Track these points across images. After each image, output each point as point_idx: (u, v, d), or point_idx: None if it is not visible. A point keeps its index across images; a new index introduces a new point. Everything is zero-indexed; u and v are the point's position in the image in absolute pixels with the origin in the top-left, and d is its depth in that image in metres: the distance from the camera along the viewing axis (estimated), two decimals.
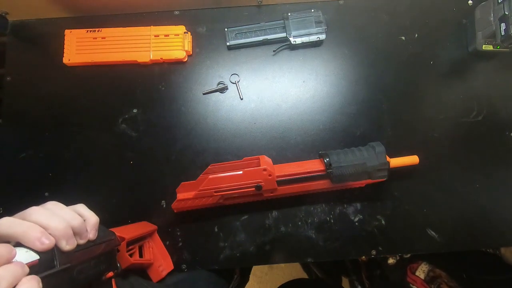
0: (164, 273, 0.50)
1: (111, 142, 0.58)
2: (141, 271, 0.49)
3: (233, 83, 0.60)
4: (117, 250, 0.40)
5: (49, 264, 0.27)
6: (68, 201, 0.57)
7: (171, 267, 0.52)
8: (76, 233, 0.30)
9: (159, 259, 0.52)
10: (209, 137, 0.58)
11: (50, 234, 0.27)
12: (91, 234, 0.32)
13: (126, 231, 0.44)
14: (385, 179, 0.51)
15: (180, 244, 0.54)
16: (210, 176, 0.49)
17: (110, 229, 0.40)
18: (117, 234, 0.40)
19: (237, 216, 0.55)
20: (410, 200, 0.56)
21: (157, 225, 0.54)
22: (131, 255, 0.44)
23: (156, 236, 0.53)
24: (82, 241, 0.31)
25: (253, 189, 0.49)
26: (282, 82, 0.60)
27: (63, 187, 0.57)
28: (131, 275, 0.44)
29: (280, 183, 0.50)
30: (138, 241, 0.48)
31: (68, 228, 0.29)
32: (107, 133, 0.58)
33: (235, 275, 0.68)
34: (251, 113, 0.59)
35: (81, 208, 0.33)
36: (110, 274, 0.36)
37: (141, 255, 0.48)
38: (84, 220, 0.32)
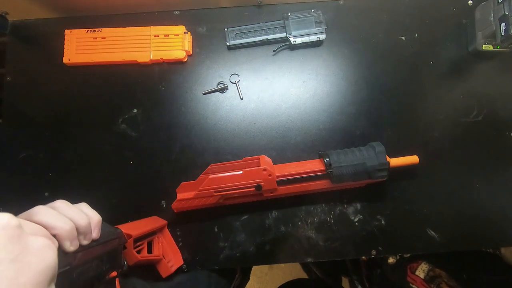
0: (174, 269, 0.50)
1: (111, 142, 0.58)
2: (150, 266, 0.49)
3: (233, 83, 0.60)
4: (123, 248, 0.40)
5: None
6: (68, 201, 0.57)
7: (180, 262, 0.52)
8: (80, 233, 0.29)
9: (169, 254, 0.51)
10: (209, 137, 0.58)
11: (55, 234, 0.26)
12: (94, 234, 0.31)
13: (134, 228, 0.44)
14: (385, 179, 0.51)
15: (180, 244, 0.54)
16: (210, 176, 0.49)
17: (117, 226, 0.39)
18: (124, 231, 0.40)
19: (237, 216, 0.55)
20: (410, 200, 0.56)
21: None
22: (139, 252, 0.44)
23: (166, 231, 0.53)
24: (85, 242, 0.30)
25: (253, 189, 0.49)
26: (282, 82, 0.60)
27: (63, 187, 0.57)
28: (134, 277, 0.44)
29: (280, 183, 0.50)
30: (147, 237, 0.48)
31: (73, 229, 0.28)
32: (107, 133, 0.58)
33: (236, 274, 0.68)
34: (251, 113, 0.59)
35: (84, 207, 0.32)
36: (114, 273, 0.35)
37: (150, 251, 0.48)
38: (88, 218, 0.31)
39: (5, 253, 0.19)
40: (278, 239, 0.55)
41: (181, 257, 0.53)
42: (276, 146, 0.58)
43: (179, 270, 0.53)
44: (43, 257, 0.22)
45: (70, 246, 0.27)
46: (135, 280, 0.44)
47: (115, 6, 0.61)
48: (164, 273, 0.49)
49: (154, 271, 0.49)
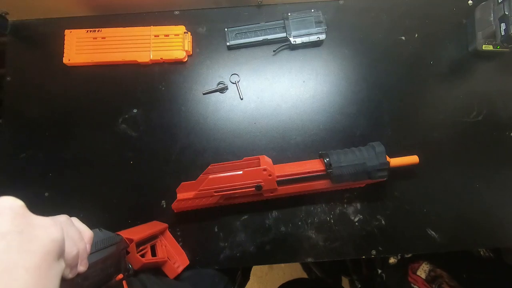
0: (180, 269, 0.51)
1: (111, 142, 0.58)
2: (156, 269, 0.49)
3: (233, 83, 0.60)
4: (126, 252, 0.40)
5: None
6: (68, 201, 0.57)
7: (186, 262, 0.52)
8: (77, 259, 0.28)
9: (174, 256, 0.52)
10: (209, 137, 0.58)
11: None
12: (87, 248, 0.30)
13: (134, 233, 0.44)
14: (385, 179, 0.51)
15: (180, 244, 0.54)
16: (210, 176, 0.49)
17: (117, 233, 0.40)
18: (125, 236, 0.40)
19: (237, 216, 0.55)
20: (410, 200, 0.56)
21: None
22: (143, 255, 0.44)
23: (168, 234, 0.53)
24: (82, 268, 0.28)
25: (253, 189, 0.49)
26: (282, 82, 0.60)
27: (63, 187, 0.56)
28: (142, 274, 0.44)
29: (280, 183, 0.50)
30: (149, 241, 0.48)
31: (77, 256, 0.27)
32: (107, 133, 0.58)
33: (238, 271, 0.68)
34: (251, 113, 0.59)
35: (76, 221, 0.30)
36: (120, 276, 0.36)
37: (154, 254, 0.48)
38: (79, 233, 0.29)
39: (13, 226, 0.21)
40: (278, 239, 0.55)
41: (187, 258, 0.53)
42: (276, 146, 0.58)
43: None
44: (49, 232, 0.23)
45: (69, 274, 0.26)
46: (142, 276, 0.44)
47: (115, 6, 0.61)
48: (171, 275, 0.50)
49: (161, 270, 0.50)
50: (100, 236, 0.34)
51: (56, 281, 0.22)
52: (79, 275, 0.27)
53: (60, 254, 0.23)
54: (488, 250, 0.66)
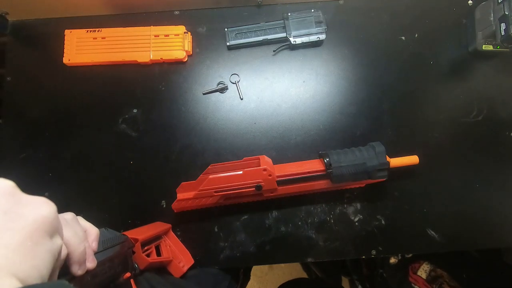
0: (185, 268, 0.51)
1: (111, 142, 0.58)
2: (162, 269, 0.50)
3: (233, 83, 0.60)
4: (132, 252, 0.40)
5: (62, 270, 0.25)
6: (68, 201, 0.57)
7: (191, 261, 0.53)
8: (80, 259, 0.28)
9: (178, 256, 0.52)
10: (209, 137, 0.58)
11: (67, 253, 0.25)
12: (94, 245, 0.31)
13: (139, 233, 0.44)
14: (385, 179, 0.51)
15: None
16: (210, 176, 0.49)
17: (122, 233, 0.40)
18: (130, 236, 0.41)
19: (237, 216, 0.55)
20: (410, 200, 0.56)
21: None
22: (148, 255, 0.45)
23: (172, 234, 0.54)
24: (90, 265, 0.28)
25: (253, 189, 0.49)
26: (282, 82, 0.60)
27: (63, 187, 0.57)
28: (147, 273, 0.44)
29: (280, 183, 0.50)
30: (153, 241, 0.48)
31: (84, 252, 0.27)
32: (107, 133, 0.58)
33: (241, 269, 0.68)
34: (251, 113, 0.59)
35: (81, 220, 0.31)
36: (128, 274, 0.36)
37: (159, 254, 0.49)
38: (85, 231, 0.30)
39: None
40: (278, 239, 0.55)
41: (191, 257, 0.53)
42: (276, 146, 0.58)
43: None
44: (38, 209, 0.22)
45: (79, 270, 0.26)
46: (147, 275, 0.44)
47: (115, 6, 0.61)
48: (176, 274, 0.50)
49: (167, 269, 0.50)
50: (106, 235, 0.34)
51: (46, 258, 0.21)
52: (88, 272, 0.28)
53: (52, 231, 0.23)
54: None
